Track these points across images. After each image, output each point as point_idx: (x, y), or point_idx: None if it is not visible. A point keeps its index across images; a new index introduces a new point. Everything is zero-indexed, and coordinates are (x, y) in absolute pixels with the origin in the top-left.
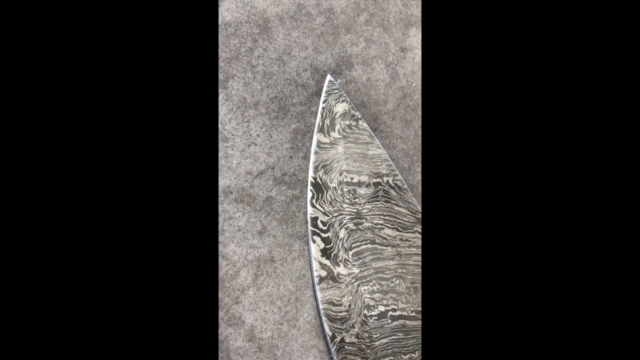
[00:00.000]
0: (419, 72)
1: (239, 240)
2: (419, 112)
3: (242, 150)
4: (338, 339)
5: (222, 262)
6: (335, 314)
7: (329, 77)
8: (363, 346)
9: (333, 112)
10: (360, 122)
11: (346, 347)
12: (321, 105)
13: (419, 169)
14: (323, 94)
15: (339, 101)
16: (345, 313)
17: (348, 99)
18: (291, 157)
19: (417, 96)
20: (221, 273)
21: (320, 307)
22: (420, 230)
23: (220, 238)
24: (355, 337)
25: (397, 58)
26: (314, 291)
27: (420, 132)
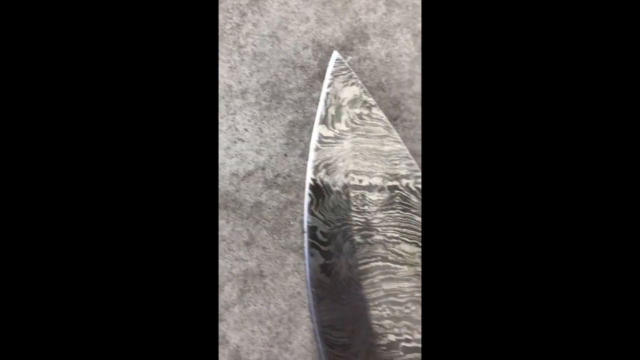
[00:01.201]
0: None
1: (222, 252)
2: None
3: (227, 148)
4: None
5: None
6: (335, 339)
7: (335, 55)
8: None
9: (340, 98)
10: (374, 110)
11: None
12: (325, 90)
13: None
14: (328, 76)
15: (347, 84)
16: (347, 339)
17: (360, 82)
18: (286, 155)
19: None
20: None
21: (318, 330)
22: None
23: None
24: None
25: None
26: (311, 312)
27: None
